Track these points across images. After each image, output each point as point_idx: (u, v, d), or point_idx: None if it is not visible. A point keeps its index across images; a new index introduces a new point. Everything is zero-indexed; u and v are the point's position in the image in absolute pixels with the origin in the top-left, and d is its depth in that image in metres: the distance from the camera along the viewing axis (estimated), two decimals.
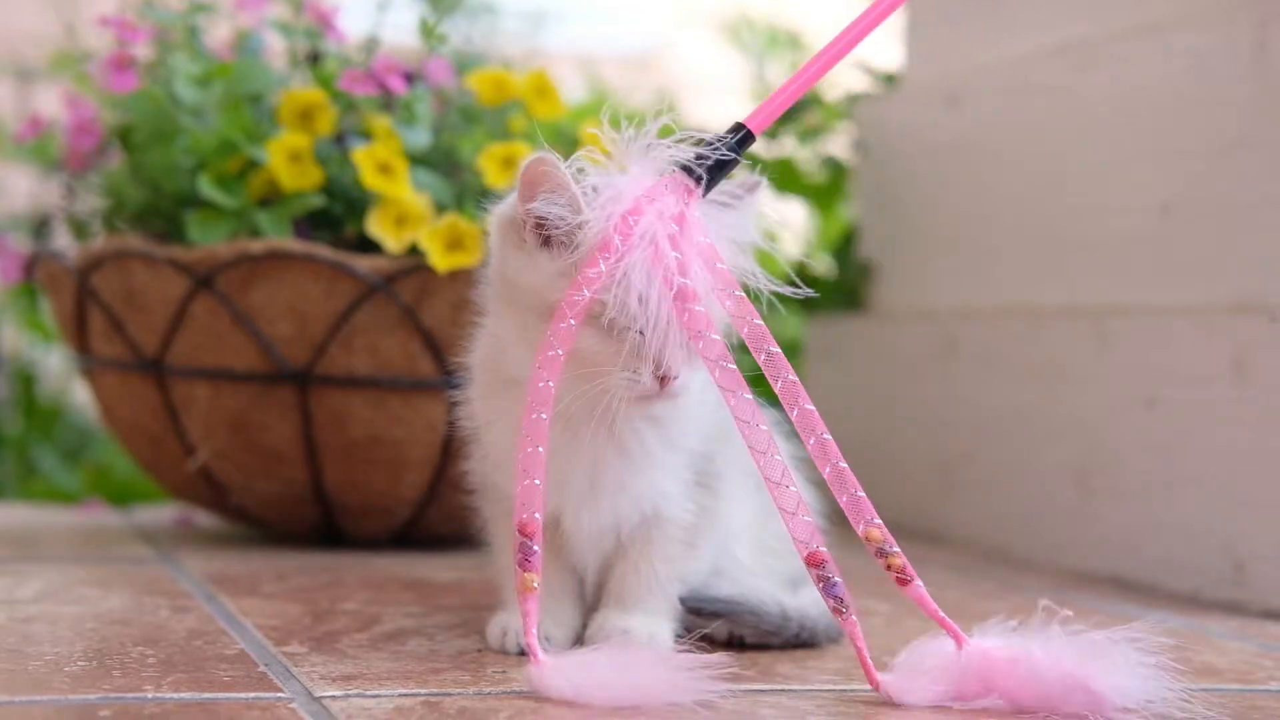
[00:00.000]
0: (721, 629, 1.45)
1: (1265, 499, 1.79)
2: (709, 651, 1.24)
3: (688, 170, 1.30)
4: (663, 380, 1.29)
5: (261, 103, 2.02)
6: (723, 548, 1.45)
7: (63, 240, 2.21)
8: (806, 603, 1.48)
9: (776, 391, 1.29)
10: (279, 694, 1.22)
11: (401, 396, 1.93)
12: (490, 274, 1.38)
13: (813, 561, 1.26)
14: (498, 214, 1.37)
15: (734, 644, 1.45)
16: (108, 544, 2.09)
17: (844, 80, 2.78)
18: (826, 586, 1.26)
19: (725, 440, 1.40)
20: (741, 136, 1.32)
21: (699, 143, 1.31)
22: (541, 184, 1.29)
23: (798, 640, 1.46)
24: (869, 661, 1.26)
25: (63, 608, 1.58)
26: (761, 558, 1.50)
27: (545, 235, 1.31)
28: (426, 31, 2.01)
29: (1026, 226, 2.25)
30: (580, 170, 1.30)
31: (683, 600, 1.43)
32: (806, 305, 2.75)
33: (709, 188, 1.30)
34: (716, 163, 1.30)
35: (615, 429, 1.33)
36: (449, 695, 1.23)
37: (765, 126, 1.32)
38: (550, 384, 1.26)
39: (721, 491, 1.42)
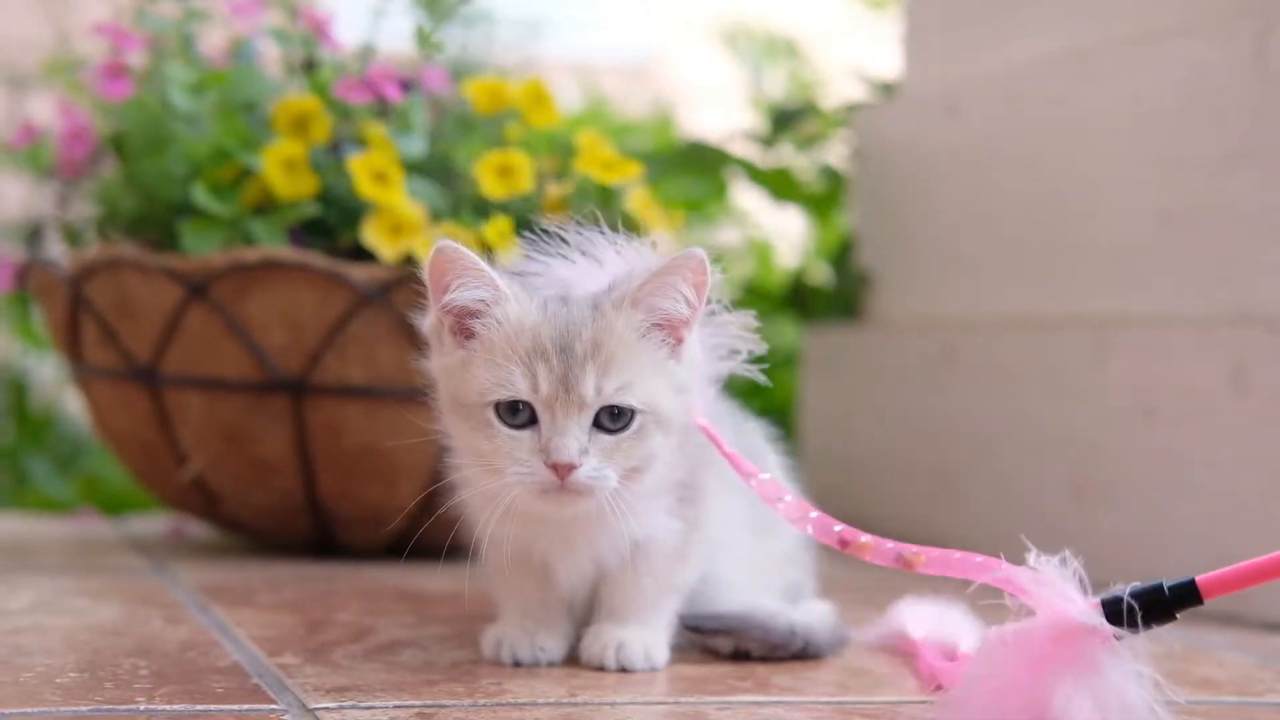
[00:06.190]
0: (726, 643, 1.43)
1: (1263, 509, 1.78)
2: (713, 664, 1.23)
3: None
4: (556, 469, 1.23)
5: (256, 111, 2.02)
6: (710, 555, 1.44)
7: (56, 248, 2.21)
8: (809, 615, 1.47)
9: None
10: (273, 706, 1.21)
11: (396, 406, 1.92)
12: (435, 387, 1.35)
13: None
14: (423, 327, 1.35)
15: (739, 657, 1.44)
16: (100, 554, 2.08)
17: (842, 89, 2.78)
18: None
19: (710, 463, 1.39)
20: (1186, 592, 1.14)
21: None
22: (450, 272, 1.27)
23: (803, 653, 1.45)
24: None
25: (54, 619, 1.57)
26: (756, 574, 1.49)
27: (465, 325, 1.29)
28: (422, 39, 2.00)
29: (1025, 236, 2.24)
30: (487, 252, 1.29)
31: (686, 619, 1.42)
32: (804, 314, 2.74)
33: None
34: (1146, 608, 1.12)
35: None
36: (444, 707, 1.22)
37: (1223, 592, 1.14)
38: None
39: (704, 503, 1.40)
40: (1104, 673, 1.09)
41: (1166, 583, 1.14)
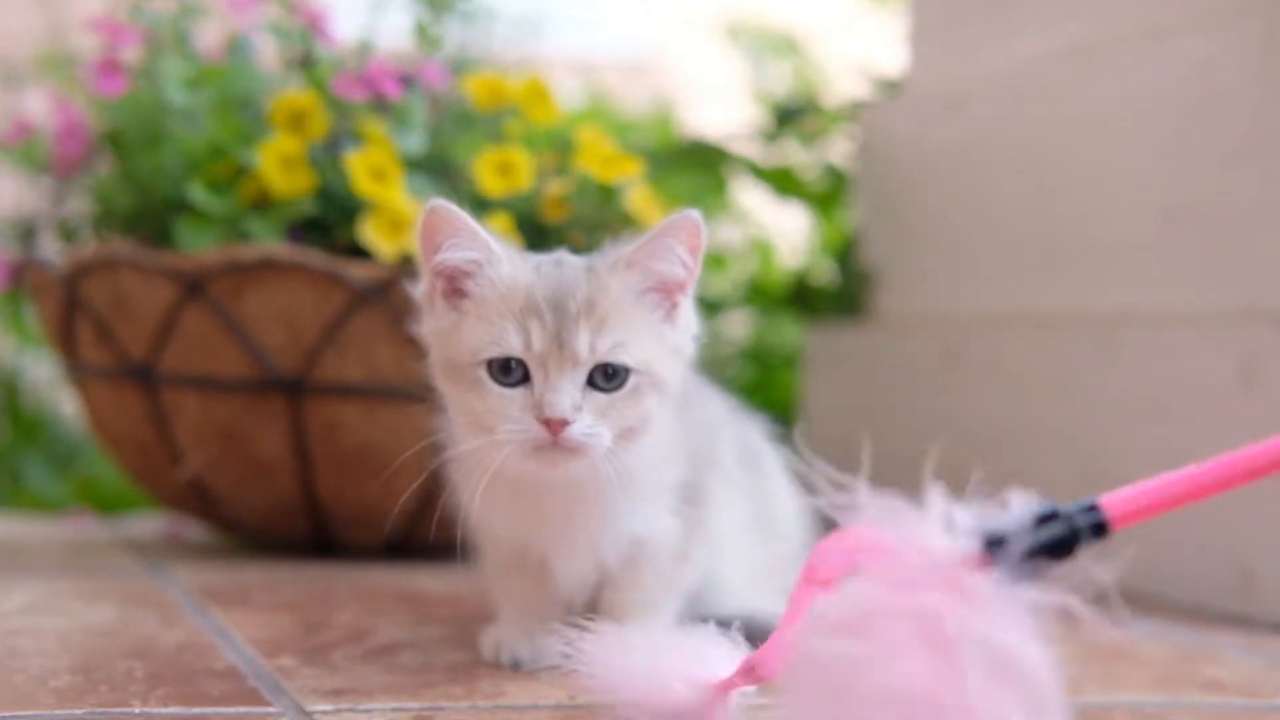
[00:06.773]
0: None
1: (1273, 510, 1.77)
2: None
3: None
4: (549, 425, 1.21)
5: (253, 106, 2.00)
6: (712, 556, 1.42)
7: (50, 246, 2.19)
8: None
9: None
10: (269, 708, 1.20)
11: (394, 406, 1.91)
12: (428, 355, 1.33)
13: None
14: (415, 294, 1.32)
15: None
16: (95, 555, 2.07)
17: (845, 86, 2.76)
18: None
19: (713, 463, 1.37)
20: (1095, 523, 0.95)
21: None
22: (441, 232, 1.26)
23: None
24: None
25: (49, 620, 1.56)
26: (758, 576, 1.48)
27: (457, 287, 1.27)
28: (421, 35, 1.99)
29: (1030, 233, 2.23)
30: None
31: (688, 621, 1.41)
32: (806, 312, 2.73)
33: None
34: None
35: (576, 483, 1.27)
36: (441, 709, 1.21)
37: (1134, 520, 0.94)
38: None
39: (706, 503, 1.38)
40: (985, 628, 0.88)
41: (1068, 507, 0.94)
